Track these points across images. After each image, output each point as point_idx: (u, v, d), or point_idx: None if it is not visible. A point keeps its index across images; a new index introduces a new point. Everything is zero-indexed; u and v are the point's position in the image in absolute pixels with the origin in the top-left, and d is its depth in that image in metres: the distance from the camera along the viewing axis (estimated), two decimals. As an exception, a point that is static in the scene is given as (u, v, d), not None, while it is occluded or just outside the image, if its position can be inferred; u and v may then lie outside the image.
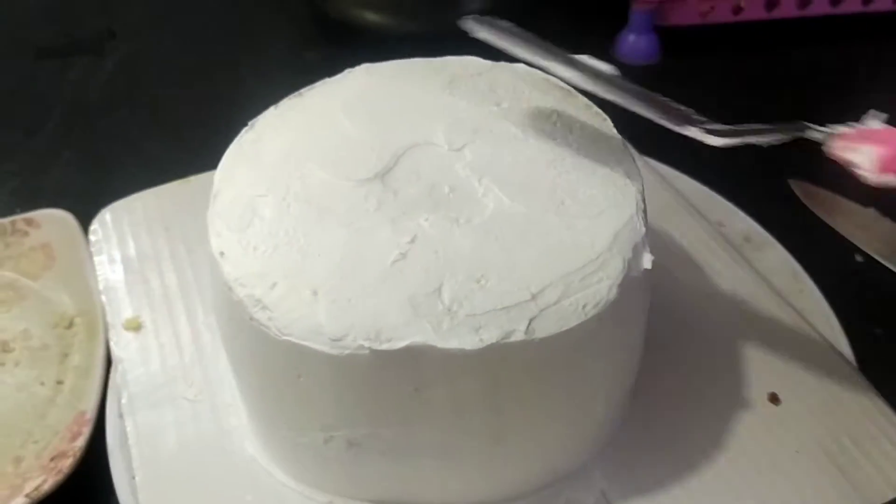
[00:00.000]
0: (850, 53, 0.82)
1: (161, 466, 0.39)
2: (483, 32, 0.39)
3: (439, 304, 0.32)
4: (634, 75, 0.78)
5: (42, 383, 0.52)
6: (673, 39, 0.80)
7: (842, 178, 0.64)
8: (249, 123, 0.41)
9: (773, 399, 0.41)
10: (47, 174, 0.68)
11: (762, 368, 0.42)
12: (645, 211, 0.36)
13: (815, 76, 0.80)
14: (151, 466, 0.39)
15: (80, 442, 0.47)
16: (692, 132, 0.36)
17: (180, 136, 0.72)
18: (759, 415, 0.40)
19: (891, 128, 0.35)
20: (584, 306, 0.32)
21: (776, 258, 0.51)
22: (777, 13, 0.80)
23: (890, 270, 0.58)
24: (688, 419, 0.40)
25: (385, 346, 0.31)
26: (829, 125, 0.36)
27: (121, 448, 0.42)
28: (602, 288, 0.33)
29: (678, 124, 0.37)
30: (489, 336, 0.31)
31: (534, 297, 0.32)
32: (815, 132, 0.35)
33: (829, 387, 0.41)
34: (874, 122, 0.35)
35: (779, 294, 0.46)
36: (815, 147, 0.69)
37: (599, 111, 0.41)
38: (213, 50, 0.83)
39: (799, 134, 0.35)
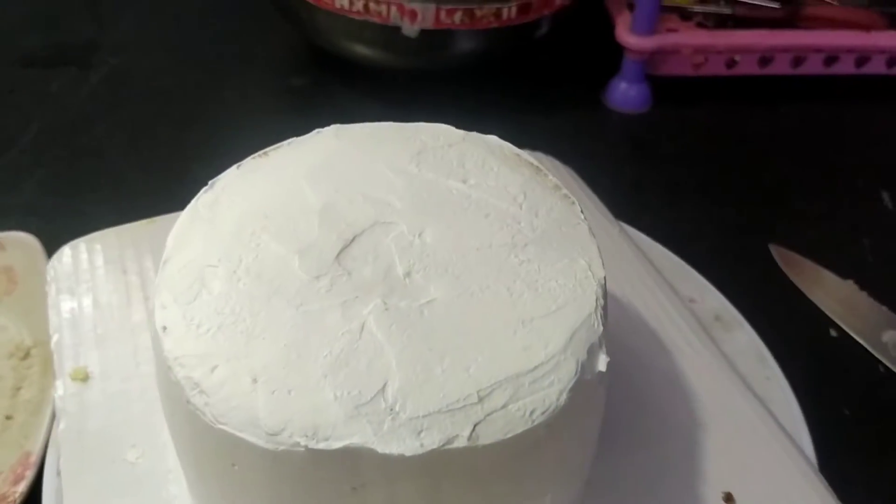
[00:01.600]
0: (841, 114, 0.82)
1: (96, 534, 0.38)
2: None
3: (382, 402, 0.31)
4: (624, 122, 0.79)
5: (-8, 417, 0.51)
6: (665, 89, 0.80)
7: (824, 248, 0.65)
8: (210, 183, 0.40)
9: (728, 499, 0.40)
10: (18, 193, 0.67)
11: (720, 463, 0.41)
12: (605, 308, 0.35)
13: (806, 134, 0.80)
14: (86, 533, 0.38)
15: (22, 487, 0.45)
16: None
17: (159, 159, 0.71)
18: (712, 516, 0.39)
19: None
20: (531, 412, 0.31)
21: (745, 341, 0.50)
22: (770, 69, 0.80)
23: (863, 348, 0.57)
24: (639, 517, 0.39)
25: (322, 446, 0.30)
26: None
27: (56, 507, 0.41)
28: (552, 393, 0.32)
29: None
30: (430, 441, 0.30)
31: (481, 399, 0.31)
32: None
33: (786, 490, 0.41)
34: None
35: (743, 381, 0.45)
36: (797, 214, 0.69)
37: (568, 193, 0.40)
38: (200, 71, 0.82)
39: None
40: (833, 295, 0.62)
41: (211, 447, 0.33)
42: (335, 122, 0.44)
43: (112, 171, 0.70)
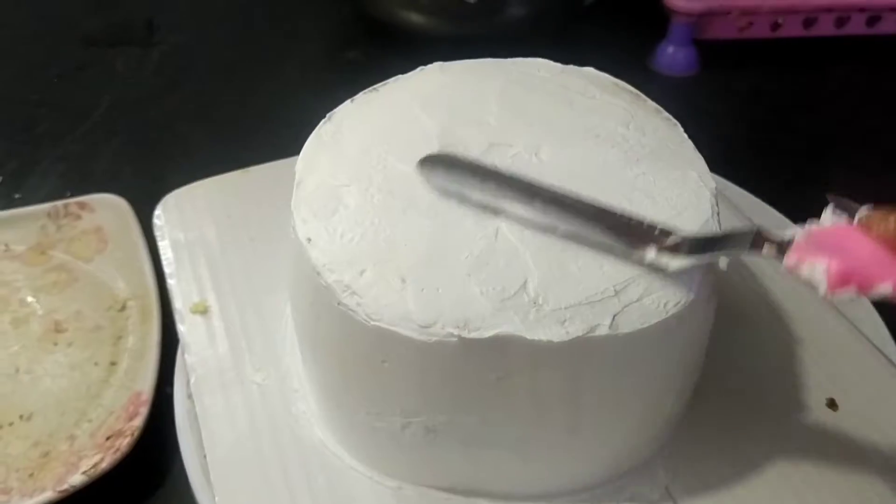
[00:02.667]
0: (884, 73, 0.83)
1: (231, 447, 0.40)
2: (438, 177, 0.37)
3: (525, 297, 0.33)
4: (672, 86, 0.81)
5: (96, 364, 0.53)
6: (711, 52, 0.82)
7: (879, 195, 0.66)
8: (327, 115, 0.42)
9: (832, 405, 0.42)
10: (96, 160, 0.70)
11: (819, 374, 0.43)
12: (719, 214, 0.37)
13: (850, 94, 0.81)
14: (222, 447, 0.40)
15: (138, 422, 0.48)
16: (649, 256, 0.34)
17: (224, 128, 0.74)
18: (818, 419, 0.41)
19: (848, 226, 0.33)
20: (665, 304, 0.33)
21: (827, 269, 0.52)
22: (814, 31, 0.81)
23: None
24: (748, 420, 0.41)
25: (474, 335, 0.32)
26: (785, 231, 0.33)
27: (191, 428, 0.42)
28: (682, 287, 0.34)
29: (632, 246, 0.34)
30: (575, 329, 0.32)
31: (617, 293, 0.33)
32: (770, 244, 0.33)
33: (883, 394, 0.42)
34: (831, 219, 0.34)
35: (832, 304, 0.47)
36: (850, 168, 0.70)
37: (669, 116, 0.42)
38: (257, 45, 0.84)
39: (755, 251, 0.33)
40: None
41: (362, 346, 0.34)
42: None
43: (182, 140, 0.72)
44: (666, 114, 0.42)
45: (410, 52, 0.79)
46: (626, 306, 0.33)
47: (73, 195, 0.62)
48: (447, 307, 0.33)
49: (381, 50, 0.82)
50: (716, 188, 0.38)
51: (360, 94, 0.43)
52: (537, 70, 0.44)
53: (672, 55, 0.82)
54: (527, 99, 0.42)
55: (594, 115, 0.41)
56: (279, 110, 0.74)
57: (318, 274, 0.34)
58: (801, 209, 0.62)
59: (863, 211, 0.33)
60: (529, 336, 0.32)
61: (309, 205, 0.37)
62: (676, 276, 0.34)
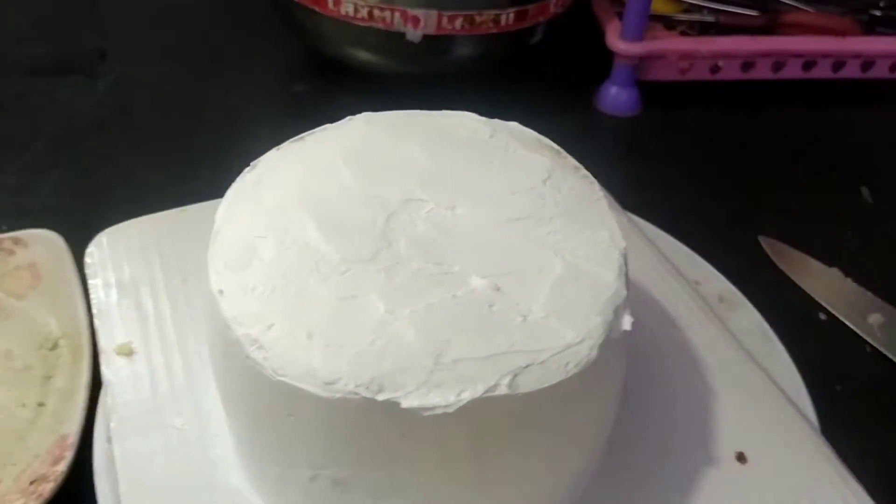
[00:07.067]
0: (819, 116, 0.86)
1: (147, 493, 0.40)
2: None
3: (427, 356, 0.33)
4: (616, 126, 0.82)
5: (23, 405, 0.52)
6: (653, 93, 0.83)
7: (809, 239, 0.68)
8: (251, 164, 0.43)
9: (741, 458, 0.43)
10: (35, 194, 0.69)
11: (731, 427, 0.44)
12: (627, 274, 0.38)
13: (787, 135, 0.83)
14: (138, 492, 0.40)
15: (62, 466, 0.47)
16: None
17: (168, 162, 0.73)
18: (727, 472, 0.42)
19: None
20: (566, 364, 0.34)
21: (748, 319, 0.53)
22: (752, 74, 0.84)
23: (851, 329, 0.60)
24: (659, 473, 0.42)
25: (374, 395, 0.32)
26: None
27: (107, 472, 0.42)
28: (584, 347, 0.35)
29: None
30: (474, 391, 0.33)
31: (518, 351, 0.34)
32: None
33: (793, 449, 0.43)
34: None
35: (749, 355, 0.48)
36: (783, 209, 0.72)
37: (587, 174, 0.43)
38: (205, 77, 0.84)
39: None
40: (820, 281, 0.65)
41: (268, 399, 0.35)
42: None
43: (123, 174, 0.72)
44: (584, 171, 0.43)
45: (358, 86, 0.80)
46: (527, 366, 0.34)
47: (9, 230, 0.61)
48: (351, 364, 0.33)
49: (329, 85, 0.82)
50: (625, 248, 0.39)
51: (286, 142, 0.44)
52: (462, 124, 0.45)
53: (615, 96, 0.83)
54: (448, 154, 0.43)
55: (513, 171, 0.42)
56: (225, 144, 0.74)
57: (228, 327, 0.35)
58: (731, 252, 0.65)
59: None
60: (426, 401, 0.32)
61: (223, 256, 0.37)
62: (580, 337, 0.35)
